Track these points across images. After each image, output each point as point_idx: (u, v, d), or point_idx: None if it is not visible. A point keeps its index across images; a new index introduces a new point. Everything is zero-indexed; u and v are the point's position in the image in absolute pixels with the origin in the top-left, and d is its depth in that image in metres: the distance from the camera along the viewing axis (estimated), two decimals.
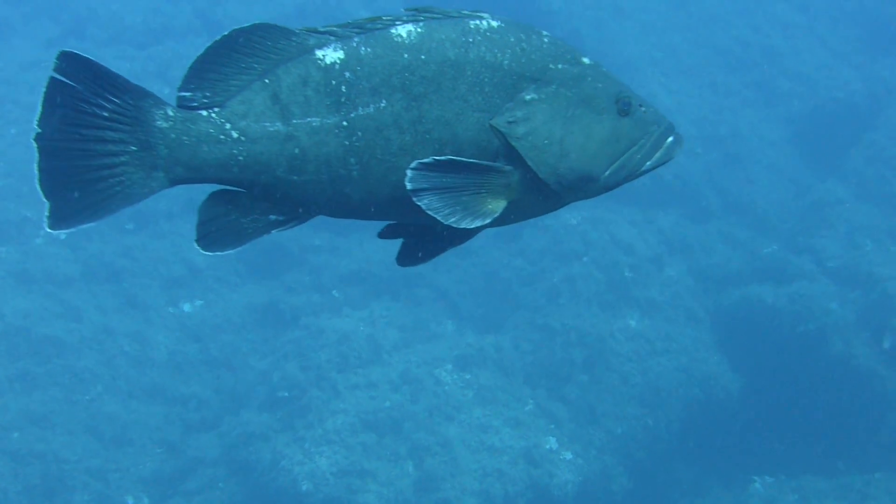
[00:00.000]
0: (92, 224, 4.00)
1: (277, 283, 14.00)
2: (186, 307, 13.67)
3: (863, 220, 14.08)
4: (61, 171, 3.91)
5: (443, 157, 3.92)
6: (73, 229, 3.99)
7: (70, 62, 3.86)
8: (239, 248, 4.05)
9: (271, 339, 13.29)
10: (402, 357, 12.59)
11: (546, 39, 4.04)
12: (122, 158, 3.93)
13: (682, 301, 13.37)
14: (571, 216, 14.22)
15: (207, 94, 3.98)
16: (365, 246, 14.29)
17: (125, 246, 14.08)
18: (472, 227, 4.00)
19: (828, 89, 16.34)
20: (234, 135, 3.97)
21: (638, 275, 13.46)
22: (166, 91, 15.93)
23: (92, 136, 3.89)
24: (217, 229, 4.05)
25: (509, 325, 13.26)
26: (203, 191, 4.18)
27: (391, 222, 4.25)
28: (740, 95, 16.75)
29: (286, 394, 12.22)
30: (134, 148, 3.93)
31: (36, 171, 3.89)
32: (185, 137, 3.95)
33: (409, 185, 3.88)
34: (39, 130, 3.85)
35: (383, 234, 4.28)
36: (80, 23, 17.78)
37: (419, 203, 3.91)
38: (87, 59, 3.86)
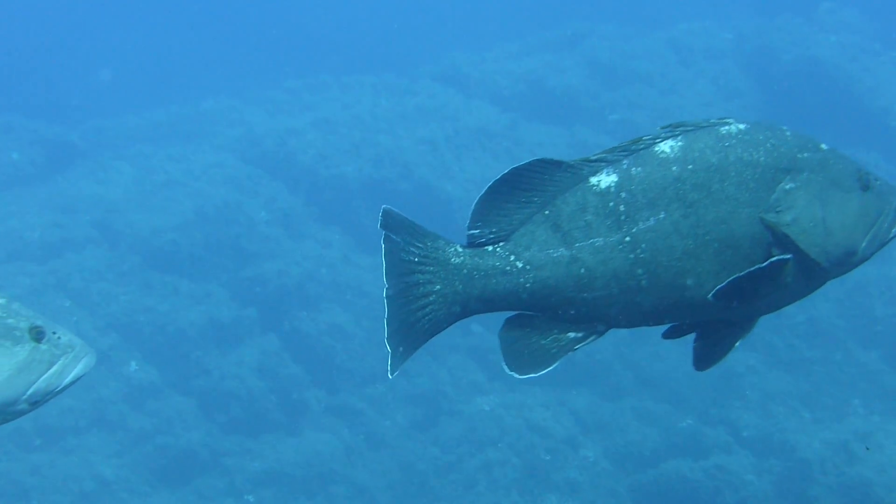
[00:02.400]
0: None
1: (189, 489, 13.72)
2: None
3: (774, 388, 14.15)
4: (400, 321, 4.33)
5: (741, 277, 4.26)
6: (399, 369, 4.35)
7: (388, 218, 4.30)
8: (549, 370, 4.36)
9: None
10: None
11: (788, 133, 4.42)
12: (431, 298, 4.32)
13: (601, 481, 13.27)
14: (485, 402, 14.16)
15: (493, 229, 4.35)
16: (277, 446, 14.08)
17: (33, 464, 13.77)
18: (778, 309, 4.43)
19: None
20: (520, 265, 4.31)
21: (555, 457, 13.37)
22: (67, 304, 15.80)
23: (412, 282, 4.32)
24: (523, 353, 4.36)
25: None
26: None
27: (673, 324, 4.54)
28: None
29: None
30: (438, 286, 4.32)
31: (385, 327, 4.34)
32: (475, 272, 4.31)
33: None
34: (388, 285, 4.33)
35: (667, 335, 4.60)
36: None
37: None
38: (395, 212, 4.32)
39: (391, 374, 4.37)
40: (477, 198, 4.39)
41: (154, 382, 14.80)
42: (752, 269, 4.27)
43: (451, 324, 4.38)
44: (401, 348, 4.34)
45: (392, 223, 4.32)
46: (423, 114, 19.93)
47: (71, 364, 4.26)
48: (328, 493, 13.65)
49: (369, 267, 16.49)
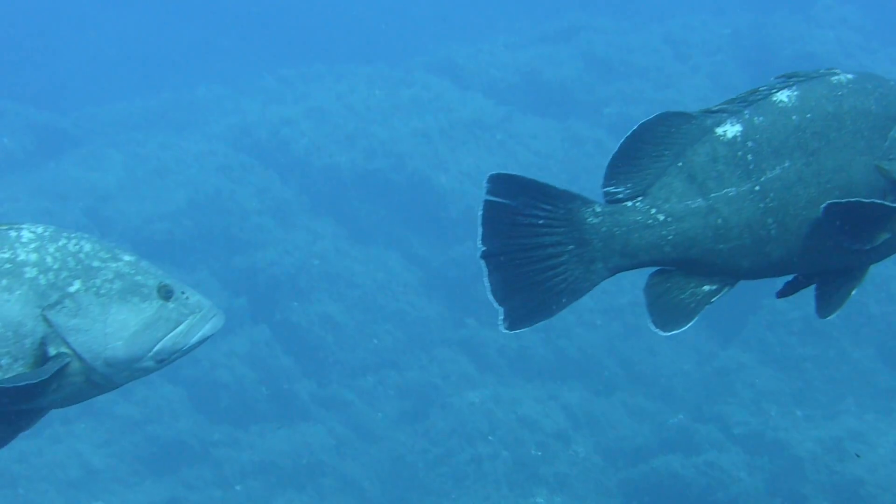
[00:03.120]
0: (547, 320, 4.37)
1: (177, 479, 13.65)
2: None
3: (767, 386, 14.07)
4: (510, 280, 4.33)
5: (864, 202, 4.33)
6: (529, 327, 4.38)
7: (499, 183, 4.34)
8: (690, 324, 4.45)
9: None
10: None
11: (892, 82, 4.55)
12: (563, 258, 4.35)
13: (592, 476, 13.20)
14: (475, 395, 14.08)
15: (629, 185, 4.41)
16: (266, 437, 14.01)
17: (20, 451, 13.69)
18: None
19: None
20: (661, 218, 4.38)
21: (545, 452, 13.29)
22: None
23: (532, 244, 4.33)
24: (664, 309, 4.45)
25: None
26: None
27: (790, 280, 4.67)
28: None
29: None
30: (571, 247, 4.35)
31: (487, 283, 4.33)
32: (616, 229, 4.37)
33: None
34: (484, 248, 4.33)
35: (783, 293, 4.71)
36: None
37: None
38: (516, 175, 4.36)
39: (506, 330, 4.39)
40: (610, 157, 4.44)
41: None
42: (871, 200, 4.34)
43: (596, 282, 4.43)
44: (523, 306, 4.36)
45: (507, 188, 4.34)
46: (418, 105, 19.83)
47: (198, 324, 4.36)
48: (317, 484, 13.58)
49: (361, 258, 16.42)
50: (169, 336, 4.30)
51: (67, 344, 4.17)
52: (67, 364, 4.20)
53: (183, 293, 4.37)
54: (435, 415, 14.12)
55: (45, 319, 4.15)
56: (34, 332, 4.16)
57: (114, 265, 4.33)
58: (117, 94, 23.45)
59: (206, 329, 4.38)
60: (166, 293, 4.33)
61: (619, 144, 4.43)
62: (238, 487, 13.50)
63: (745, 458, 12.86)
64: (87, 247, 4.34)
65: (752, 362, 14.47)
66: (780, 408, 13.73)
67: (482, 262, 4.35)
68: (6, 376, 4.14)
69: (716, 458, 12.76)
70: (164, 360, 4.33)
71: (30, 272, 4.19)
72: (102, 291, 4.24)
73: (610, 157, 4.44)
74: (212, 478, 13.64)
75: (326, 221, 17.54)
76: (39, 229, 4.30)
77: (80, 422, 14.16)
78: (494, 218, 4.33)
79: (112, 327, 4.21)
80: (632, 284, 16.02)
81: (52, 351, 4.18)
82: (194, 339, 4.36)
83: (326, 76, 22.30)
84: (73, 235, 4.35)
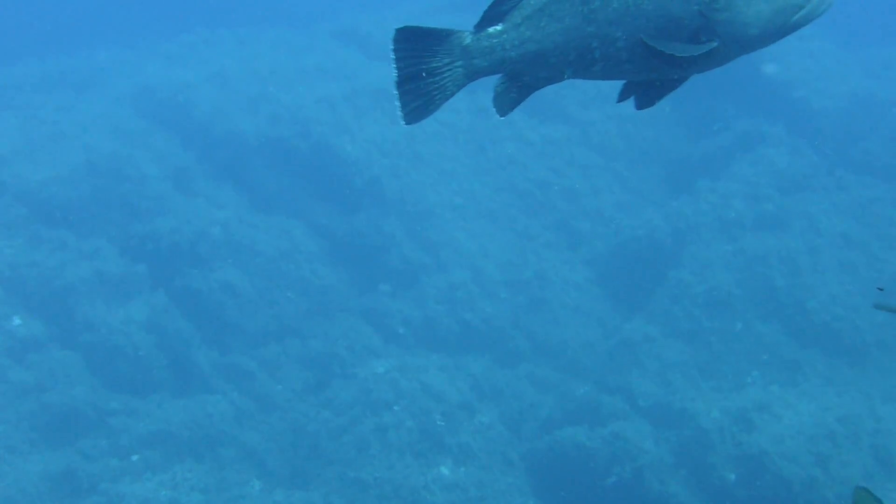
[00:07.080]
0: None
1: (73, 449, 13.37)
2: None
3: (672, 358, 14.10)
4: None
5: None
6: None
7: None
8: None
9: None
10: None
11: None
12: None
13: (496, 447, 13.14)
14: (379, 365, 13.95)
15: None
16: (165, 406, 13.76)
17: None
18: None
19: (630, 228, 16.45)
20: None
21: (450, 422, 13.21)
22: None
23: None
24: None
25: (320, 480, 12.87)
26: None
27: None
28: (542, 238, 16.77)
29: None
30: None
31: None
32: None
33: None
34: None
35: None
36: None
37: None
38: None
39: None
40: None
41: (38, 337, 14.40)
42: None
43: None
44: None
45: None
46: (323, 72, 19.63)
47: (817, 7, 4.89)
48: (216, 455, 13.38)
49: (264, 227, 16.20)
50: (793, 18, 4.88)
51: (716, 33, 4.86)
52: (714, 49, 4.90)
53: None
54: (338, 385, 13.99)
55: (702, 14, 4.85)
56: (690, 25, 4.86)
57: None
58: (13, 56, 22.96)
59: (822, 8, 4.90)
60: None
61: None
62: (135, 457, 13.26)
63: (651, 429, 12.88)
64: None
65: (657, 334, 14.49)
66: (685, 379, 13.76)
67: None
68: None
69: (621, 429, 12.76)
70: (784, 35, 4.96)
71: None
72: None
73: None
74: (108, 447, 13.40)
75: (228, 189, 17.28)
76: None
77: None
78: None
79: (751, 18, 4.85)
80: (537, 257, 15.97)
81: (702, 38, 4.90)
82: (812, 18, 4.91)
83: (229, 40, 22.00)
84: None
